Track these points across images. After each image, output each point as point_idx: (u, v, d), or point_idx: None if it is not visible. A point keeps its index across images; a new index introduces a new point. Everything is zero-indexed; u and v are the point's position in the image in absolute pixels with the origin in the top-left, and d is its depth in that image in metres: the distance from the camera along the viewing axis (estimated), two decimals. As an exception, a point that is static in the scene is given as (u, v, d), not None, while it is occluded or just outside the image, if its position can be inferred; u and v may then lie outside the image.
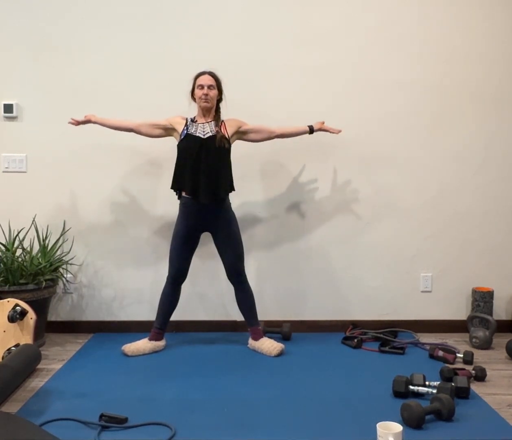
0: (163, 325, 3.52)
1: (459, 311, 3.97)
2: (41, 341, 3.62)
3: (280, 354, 3.44)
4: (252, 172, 3.88)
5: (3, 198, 3.88)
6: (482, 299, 3.80)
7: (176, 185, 3.41)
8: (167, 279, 3.50)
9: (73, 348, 3.61)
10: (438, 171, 3.91)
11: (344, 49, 3.84)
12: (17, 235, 3.73)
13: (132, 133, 3.57)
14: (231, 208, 3.49)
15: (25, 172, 3.88)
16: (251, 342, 3.55)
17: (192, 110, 3.48)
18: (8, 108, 3.82)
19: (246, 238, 3.88)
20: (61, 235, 3.85)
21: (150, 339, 3.51)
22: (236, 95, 3.63)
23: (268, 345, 3.46)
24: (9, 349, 3.18)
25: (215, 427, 2.49)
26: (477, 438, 2.39)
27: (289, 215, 3.92)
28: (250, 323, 3.54)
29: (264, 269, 3.94)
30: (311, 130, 3.57)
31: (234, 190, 3.48)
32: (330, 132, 3.60)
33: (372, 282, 3.95)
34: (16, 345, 3.21)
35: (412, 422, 2.46)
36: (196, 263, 3.68)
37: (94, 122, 3.47)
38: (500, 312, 3.96)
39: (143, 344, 3.48)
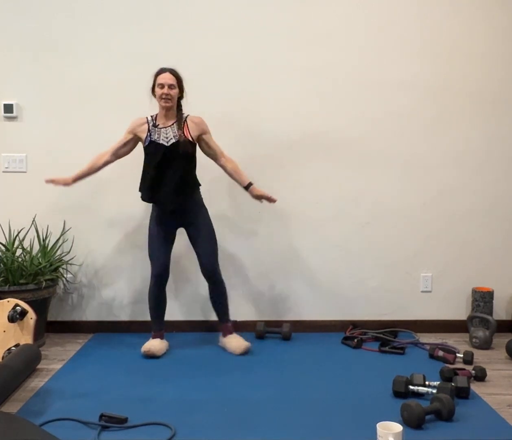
0: (162, 325, 3.53)
1: (459, 311, 3.97)
2: (41, 341, 3.62)
3: (245, 353, 3.43)
4: (252, 172, 3.87)
5: (3, 198, 3.88)
6: (482, 299, 3.80)
7: (142, 196, 3.41)
8: (152, 278, 3.45)
9: (73, 348, 3.61)
10: (438, 172, 3.91)
11: (344, 50, 3.84)
12: (17, 235, 3.73)
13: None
14: (202, 203, 3.46)
15: (25, 172, 3.88)
16: (221, 339, 3.56)
17: (153, 107, 3.43)
18: (8, 108, 3.82)
19: (246, 238, 3.89)
20: (61, 235, 3.85)
21: (160, 338, 3.50)
22: (235, 96, 3.63)
23: (235, 343, 3.46)
24: (9, 349, 3.18)
25: (215, 427, 2.49)
26: (477, 438, 2.39)
27: (289, 216, 3.91)
28: (221, 320, 3.54)
29: (264, 269, 3.94)
30: (247, 187, 3.40)
31: (200, 185, 3.45)
32: (265, 198, 3.39)
33: (372, 282, 3.95)
34: (16, 345, 3.22)
35: (412, 422, 2.46)
36: (196, 263, 3.67)
37: (73, 182, 3.43)
38: (500, 312, 3.96)
39: (160, 344, 3.46)
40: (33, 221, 3.85)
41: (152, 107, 3.52)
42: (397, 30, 3.84)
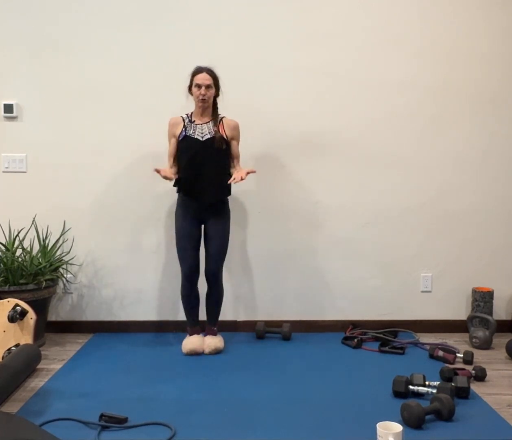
0: (197, 320, 3.54)
1: (459, 311, 3.97)
2: (41, 341, 3.62)
3: (211, 353, 3.44)
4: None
5: (3, 198, 3.88)
6: (482, 299, 3.80)
7: (178, 188, 3.44)
8: (182, 278, 3.47)
9: (73, 348, 3.61)
10: (438, 171, 3.91)
11: (344, 50, 3.83)
12: (17, 235, 3.73)
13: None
14: (228, 207, 3.51)
15: (25, 172, 3.88)
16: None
17: (189, 104, 3.46)
18: (8, 108, 3.82)
19: (245, 238, 3.89)
20: (61, 235, 3.85)
21: (197, 333, 3.52)
22: (234, 95, 3.63)
23: (207, 342, 3.48)
24: (9, 349, 3.18)
25: (215, 427, 2.49)
26: (477, 438, 2.39)
27: (289, 215, 3.91)
28: (208, 321, 3.57)
29: (264, 269, 3.94)
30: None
31: (230, 194, 3.49)
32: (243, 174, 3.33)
33: (372, 282, 3.95)
34: (16, 345, 3.22)
35: (412, 422, 2.47)
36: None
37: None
38: (500, 312, 3.96)
39: (199, 340, 3.48)
40: (33, 221, 3.85)
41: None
42: (397, 30, 3.84)
